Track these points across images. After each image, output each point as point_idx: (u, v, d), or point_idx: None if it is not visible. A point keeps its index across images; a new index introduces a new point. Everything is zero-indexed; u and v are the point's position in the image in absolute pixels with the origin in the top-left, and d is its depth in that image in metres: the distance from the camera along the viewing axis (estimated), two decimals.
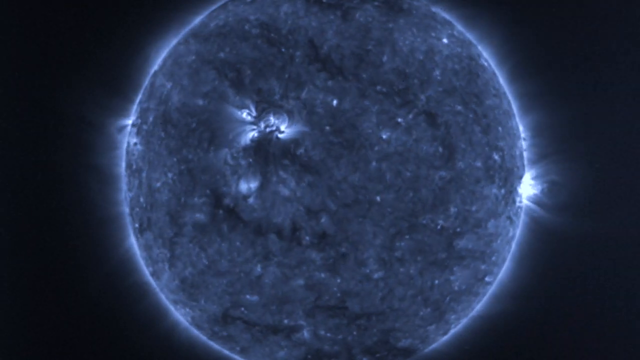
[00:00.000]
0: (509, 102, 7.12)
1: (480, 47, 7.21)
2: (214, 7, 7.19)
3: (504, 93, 7.09)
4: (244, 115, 6.33)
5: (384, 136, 6.22)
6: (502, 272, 7.24)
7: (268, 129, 6.27)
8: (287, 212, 6.25)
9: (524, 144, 7.19)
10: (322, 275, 6.33)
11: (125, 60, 7.39)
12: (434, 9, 7.07)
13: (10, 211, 7.40)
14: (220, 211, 6.32)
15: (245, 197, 6.26)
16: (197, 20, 7.23)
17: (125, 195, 7.04)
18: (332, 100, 6.24)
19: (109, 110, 7.33)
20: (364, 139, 6.22)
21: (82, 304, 7.43)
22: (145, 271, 7.17)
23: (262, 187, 6.26)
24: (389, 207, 6.25)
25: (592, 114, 7.27)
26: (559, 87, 7.31)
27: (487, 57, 7.17)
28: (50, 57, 7.44)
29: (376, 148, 6.22)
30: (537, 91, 7.28)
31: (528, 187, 7.17)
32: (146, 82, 7.21)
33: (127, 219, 7.12)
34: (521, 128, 7.23)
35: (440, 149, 6.35)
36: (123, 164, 7.11)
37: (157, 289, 7.14)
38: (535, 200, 7.21)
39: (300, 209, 6.23)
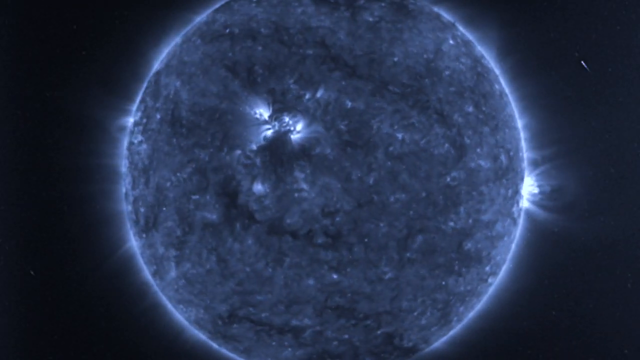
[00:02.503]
0: (510, 103, 7.15)
1: (480, 48, 7.24)
2: (216, 6, 7.14)
3: (507, 94, 7.12)
4: (257, 115, 6.30)
5: (399, 136, 6.22)
6: (501, 273, 7.27)
7: (282, 129, 6.24)
8: (301, 212, 6.23)
9: (524, 145, 7.23)
10: (334, 275, 6.31)
11: (125, 59, 7.33)
12: (436, 9, 7.09)
13: (10, 210, 7.31)
14: (233, 210, 6.28)
15: (259, 197, 6.23)
16: (199, 19, 7.17)
17: (127, 193, 6.97)
18: (346, 100, 6.23)
19: (109, 109, 7.26)
20: (379, 139, 6.21)
21: (82, 304, 7.37)
22: (147, 270, 7.11)
23: (276, 187, 6.23)
24: (403, 207, 6.25)
25: (592, 116, 7.32)
26: (559, 89, 7.35)
27: (488, 58, 7.21)
28: (50, 56, 7.36)
29: (390, 148, 6.21)
30: (537, 92, 7.32)
31: (528, 188, 7.21)
32: (148, 81, 7.14)
33: (129, 218, 7.06)
34: (521, 129, 7.26)
35: (453, 150, 6.37)
36: (125, 163, 7.04)
37: (160, 289, 7.09)
38: (535, 202, 7.25)
39: (314, 209, 6.21)
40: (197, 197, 6.35)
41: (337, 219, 6.22)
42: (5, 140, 7.30)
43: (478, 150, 6.49)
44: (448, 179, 6.35)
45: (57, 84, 7.35)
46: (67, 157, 7.35)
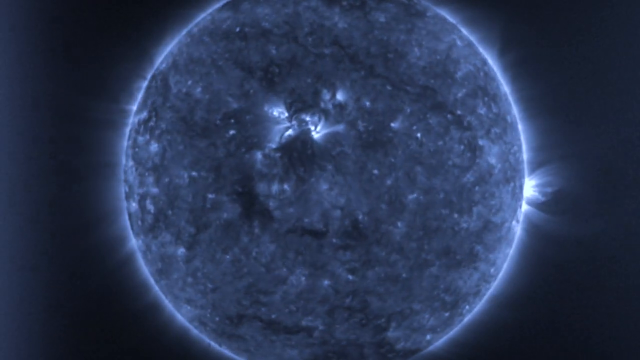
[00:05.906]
0: (512, 104, 7.22)
1: (482, 50, 7.29)
2: (220, 3, 7.09)
3: (509, 95, 7.18)
4: (276, 114, 6.27)
5: (417, 137, 6.24)
6: (502, 274, 7.33)
7: (302, 129, 6.22)
8: (319, 213, 6.22)
9: (525, 146, 7.29)
10: (349, 276, 6.31)
11: (125, 57, 7.28)
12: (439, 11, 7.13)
13: (9, 209, 7.22)
14: (251, 210, 6.25)
15: (277, 197, 6.21)
16: (203, 16, 7.12)
17: (131, 192, 6.91)
18: (365, 100, 6.23)
19: (109, 107, 7.20)
20: (398, 139, 6.23)
21: (82, 303, 7.30)
22: (152, 269, 7.05)
23: (293, 187, 6.21)
24: (420, 208, 6.27)
25: (594, 117, 7.40)
26: (559, 90, 7.42)
27: (490, 59, 7.27)
28: (50, 55, 7.28)
29: (409, 149, 6.23)
30: (538, 94, 7.38)
31: (528, 190, 7.27)
32: (151, 79, 7.08)
33: (133, 217, 7.00)
34: (522, 130, 7.33)
35: (468, 152, 6.40)
36: (127, 162, 6.97)
37: (163, 288, 7.03)
38: (534, 203, 7.32)
39: (332, 209, 6.20)
40: (212, 195, 6.30)
41: (356, 219, 6.21)
42: (4, 139, 7.20)
43: (490, 151, 6.54)
44: (464, 180, 6.39)
45: (55, 82, 7.27)
46: (67, 156, 7.27)
